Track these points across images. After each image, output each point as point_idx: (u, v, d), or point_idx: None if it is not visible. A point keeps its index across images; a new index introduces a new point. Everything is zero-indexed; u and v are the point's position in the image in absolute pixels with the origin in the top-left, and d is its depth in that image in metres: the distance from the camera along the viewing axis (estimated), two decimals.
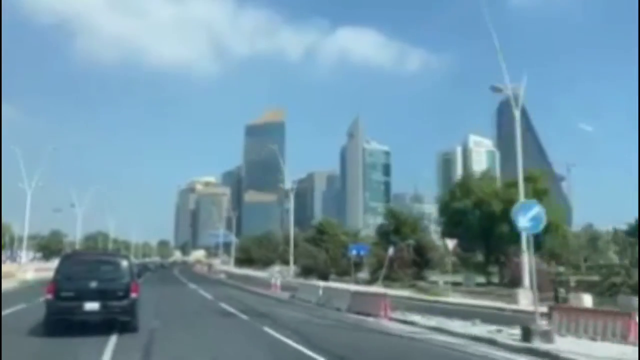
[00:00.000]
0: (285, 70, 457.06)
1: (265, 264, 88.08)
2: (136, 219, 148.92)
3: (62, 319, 12.83)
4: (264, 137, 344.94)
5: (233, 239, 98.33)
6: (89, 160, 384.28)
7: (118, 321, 13.46)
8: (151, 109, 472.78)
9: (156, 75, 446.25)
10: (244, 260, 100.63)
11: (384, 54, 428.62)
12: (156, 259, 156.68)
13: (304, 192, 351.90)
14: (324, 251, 59.39)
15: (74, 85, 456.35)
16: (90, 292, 12.79)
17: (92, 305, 12.73)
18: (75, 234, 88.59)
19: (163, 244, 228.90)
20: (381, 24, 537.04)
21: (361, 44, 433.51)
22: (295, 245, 64.31)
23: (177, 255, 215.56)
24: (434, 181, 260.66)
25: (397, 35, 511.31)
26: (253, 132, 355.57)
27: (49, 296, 12.81)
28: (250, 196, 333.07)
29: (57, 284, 12.89)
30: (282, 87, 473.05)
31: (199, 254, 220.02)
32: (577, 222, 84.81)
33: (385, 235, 55.71)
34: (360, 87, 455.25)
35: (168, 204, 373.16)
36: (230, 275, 64.07)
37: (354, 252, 46.47)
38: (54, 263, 21.55)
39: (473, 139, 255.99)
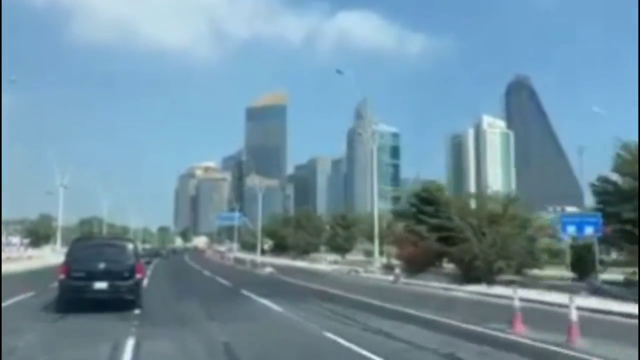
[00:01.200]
0: (286, 54, 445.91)
1: (304, 251, 71.65)
2: (135, 204, 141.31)
3: (73, 297, 13.97)
4: (265, 121, 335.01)
5: (259, 220, 77.29)
6: (87, 144, 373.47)
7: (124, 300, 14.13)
8: (149, 94, 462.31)
9: (154, 60, 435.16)
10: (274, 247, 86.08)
11: (385, 37, 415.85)
12: (169, 246, 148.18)
13: (305, 178, 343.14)
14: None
15: (68, 69, 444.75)
16: (99, 273, 13.97)
17: (100, 285, 13.89)
18: (67, 219, 78.96)
19: (163, 230, 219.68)
20: (382, 6, 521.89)
21: (362, 26, 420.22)
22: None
23: (178, 241, 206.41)
24: (443, 165, 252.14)
25: (398, 18, 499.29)
26: (254, 115, 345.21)
27: (62, 276, 14.07)
28: (252, 181, 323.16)
29: (69, 265, 14.11)
30: (283, 71, 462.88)
31: (200, 240, 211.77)
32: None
33: None
34: (363, 71, 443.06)
35: (167, 189, 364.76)
36: (286, 271, 41.76)
37: (569, 232, 25.14)
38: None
39: (487, 119, 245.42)
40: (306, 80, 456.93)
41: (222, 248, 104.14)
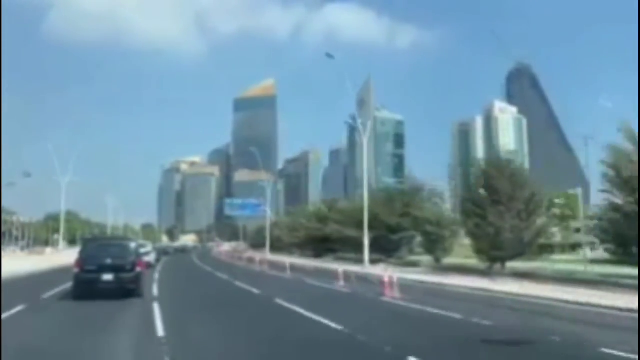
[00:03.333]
0: (275, 47, 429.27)
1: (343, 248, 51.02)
2: (115, 199, 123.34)
3: (85, 287, 16.56)
4: (254, 111, 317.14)
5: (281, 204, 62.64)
6: (62, 137, 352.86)
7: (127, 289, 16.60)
8: (132, 87, 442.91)
9: (137, 54, 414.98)
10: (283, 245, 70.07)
11: (375, 29, 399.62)
12: (178, 243, 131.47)
13: (297, 172, 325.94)
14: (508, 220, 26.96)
15: (48, 62, 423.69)
16: (106, 267, 16.67)
17: (108, 277, 16.54)
18: (32, 214, 62.27)
19: (147, 227, 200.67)
20: None
21: (355, 16, 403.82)
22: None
23: (164, 240, 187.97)
24: (448, 154, 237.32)
25: (387, 10, 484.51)
26: (242, 106, 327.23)
27: (77, 270, 16.83)
28: (241, 175, 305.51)
29: (82, 261, 16.91)
30: (272, 64, 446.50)
31: (189, 238, 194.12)
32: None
33: None
34: (355, 63, 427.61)
35: (151, 184, 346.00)
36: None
37: None
38: None
39: (498, 105, 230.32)
40: (296, 72, 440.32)
41: (225, 246, 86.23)
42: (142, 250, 27.29)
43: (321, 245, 55.00)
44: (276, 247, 72.80)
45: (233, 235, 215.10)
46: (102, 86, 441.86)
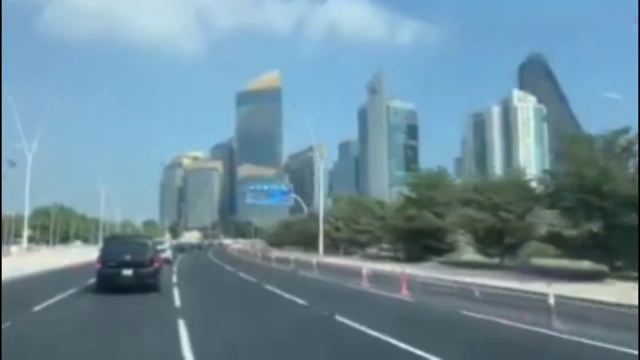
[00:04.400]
0: (277, 41, 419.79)
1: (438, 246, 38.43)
2: (112, 194, 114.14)
3: (107, 281, 17.43)
4: (258, 104, 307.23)
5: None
6: (67, 136, 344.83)
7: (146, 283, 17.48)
8: (132, 83, 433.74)
9: (137, 49, 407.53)
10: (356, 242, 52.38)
11: (381, 20, 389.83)
12: (183, 240, 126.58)
13: (301, 167, 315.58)
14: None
15: (50, 58, 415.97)
16: (126, 263, 17.45)
17: (127, 272, 17.29)
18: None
19: (149, 224, 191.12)
20: None
21: (356, 10, 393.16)
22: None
23: (167, 236, 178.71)
24: (459, 146, 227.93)
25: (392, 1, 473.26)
26: (245, 99, 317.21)
27: (99, 266, 17.63)
28: (245, 170, 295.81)
29: (103, 258, 17.70)
30: (276, 58, 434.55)
31: (192, 235, 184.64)
32: None
33: None
34: (360, 57, 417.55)
35: (151, 180, 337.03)
36: None
37: None
38: None
39: (517, 94, 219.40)
40: (301, 65, 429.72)
41: (235, 244, 76.28)
42: (159, 247, 27.34)
43: (414, 241, 38.89)
44: (314, 245, 58.93)
45: (238, 232, 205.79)
46: (103, 82, 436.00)
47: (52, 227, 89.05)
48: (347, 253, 52.44)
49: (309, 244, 61.49)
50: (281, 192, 78.34)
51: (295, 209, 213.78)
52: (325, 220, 57.67)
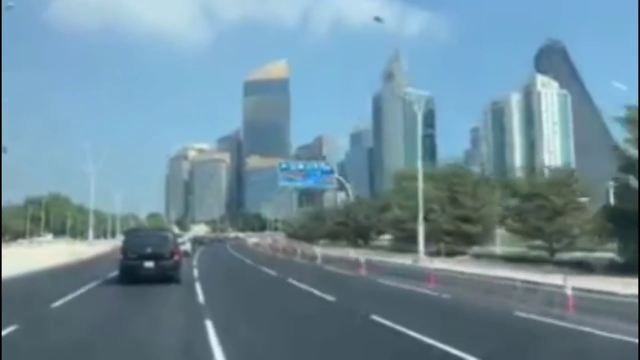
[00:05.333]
0: (284, 32, 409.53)
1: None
2: (115, 186, 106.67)
3: (129, 273, 18.18)
4: (265, 94, 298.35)
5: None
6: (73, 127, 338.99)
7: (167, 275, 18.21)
8: (137, 73, 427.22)
9: (143, 41, 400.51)
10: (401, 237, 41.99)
11: (388, 13, 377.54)
12: (192, 234, 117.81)
13: (311, 159, 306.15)
14: None
15: (54, 49, 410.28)
16: (147, 255, 18.20)
17: (149, 264, 18.08)
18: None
19: (154, 217, 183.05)
20: None
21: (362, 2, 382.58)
22: None
23: (175, 230, 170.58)
24: (469, 136, 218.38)
25: None
26: (252, 89, 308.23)
27: (122, 257, 18.41)
28: (253, 162, 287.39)
29: (126, 250, 18.48)
30: (282, 49, 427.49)
31: (200, 229, 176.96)
32: None
33: None
34: (368, 48, 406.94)
35: (156, 172, 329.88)
36: None
37: None
38: None
39: (541, 79, 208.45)
40: (309, 56, 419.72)
41: (252, 238, 67.54)
42: (179, 240, 26.85)
43: None
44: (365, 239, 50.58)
45: (246, 225, 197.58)
46: (107, 74, 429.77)
47: (44, 218, 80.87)
48: (449, 253, 34.59)
49: (358, 237, 51.94)
50: (322, 171, 64.21)
51: (309, 200, 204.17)
52: (385, 207, 46.99)
